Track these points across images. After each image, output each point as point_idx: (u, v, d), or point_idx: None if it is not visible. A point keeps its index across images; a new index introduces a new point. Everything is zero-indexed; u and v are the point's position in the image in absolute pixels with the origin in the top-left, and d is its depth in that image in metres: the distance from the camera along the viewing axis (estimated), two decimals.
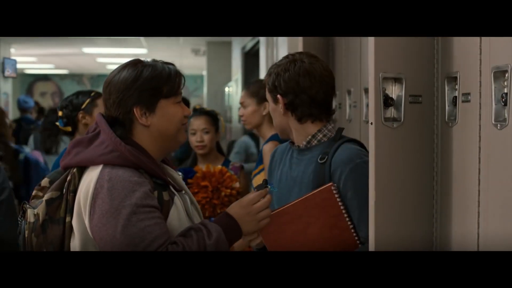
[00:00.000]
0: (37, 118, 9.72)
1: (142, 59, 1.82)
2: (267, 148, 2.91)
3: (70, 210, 1.70)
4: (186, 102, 7.82)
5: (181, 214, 1.74)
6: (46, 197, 1.72)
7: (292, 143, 2.16)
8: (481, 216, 1.53)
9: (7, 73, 9.42)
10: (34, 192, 1.81)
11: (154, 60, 1.81)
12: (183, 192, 1.81)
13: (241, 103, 3.14)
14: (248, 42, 8.07)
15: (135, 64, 1.78)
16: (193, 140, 3.34)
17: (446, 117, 1.70)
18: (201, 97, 15.96)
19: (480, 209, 1.54)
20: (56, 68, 17.60)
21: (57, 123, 3.05)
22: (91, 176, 1.69)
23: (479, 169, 1.54)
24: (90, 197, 1.65)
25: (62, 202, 1.71)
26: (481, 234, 1.53)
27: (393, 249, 1.65)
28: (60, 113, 3.02)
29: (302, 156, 2.11)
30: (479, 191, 1.54)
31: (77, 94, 3.06)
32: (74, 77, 19.04)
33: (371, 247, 1.67)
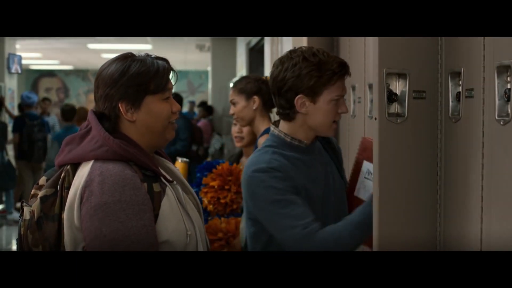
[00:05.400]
0: (42, 113, 9.75)
1: (134, 53, 1.80)
2: (263, 141, 2.86)
3: (64, 207, 1.71)
4: (179, 98, 7.75)
5: (173, 204, 1.74)
6: (40, 194, 1.73)
7: (300, 141, 2.09)
8: (484, 211, 1.54)
9: (12, 69, 9.45)
10: (32, 191, 1.81)
11: (146, 55, 1.79)
12: (175, 182, 1.81)
13: (231, 101, 3.11)
14: (253, 38, 8.07)
15: (125, 58, 1.76)
16: (233, 131, 3.28)
17: (450, 113, 1.71)
18: (206, 93, 15.97)
19: (483, 204, 1.55)
20: (61, 64, 17.65)
21: None
22: (83, 172, 1.70)
23: (482, 164, 1.55)
24: (81, 189, 1.66)
25: (57, 199, 1.71)
26: (484, 229, 1.54)
27: (398, 239, 1.66)
28: None
29: (311, 149, 2.11)
30: (482, 186, 1.55)
31: None
32: (79, 73, 19.08)
33: (375, 239, 1.69)
